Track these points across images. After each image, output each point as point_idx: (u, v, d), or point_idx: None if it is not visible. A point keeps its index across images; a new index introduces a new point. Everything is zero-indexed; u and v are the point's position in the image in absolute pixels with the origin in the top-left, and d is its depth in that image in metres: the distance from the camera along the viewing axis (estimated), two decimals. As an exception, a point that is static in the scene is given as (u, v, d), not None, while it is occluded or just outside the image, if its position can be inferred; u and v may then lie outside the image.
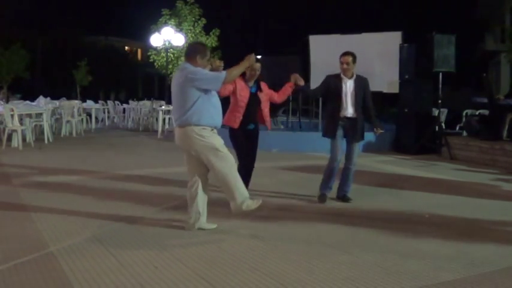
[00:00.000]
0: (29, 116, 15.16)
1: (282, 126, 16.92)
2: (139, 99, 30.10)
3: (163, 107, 19.60)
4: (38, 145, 14.38)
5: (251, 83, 7.47)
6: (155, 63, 28.55)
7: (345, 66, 7.62)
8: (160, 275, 4.68)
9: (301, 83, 7.50)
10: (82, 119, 19.57)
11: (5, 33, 39.71)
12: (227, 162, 5.87)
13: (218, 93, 6.54)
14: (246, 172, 7.32)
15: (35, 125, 15.97)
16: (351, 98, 7.63)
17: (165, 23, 27.10)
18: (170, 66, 27.12)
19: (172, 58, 27.68)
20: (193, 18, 28.12)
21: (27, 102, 18.75)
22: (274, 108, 17.48)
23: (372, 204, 7.67)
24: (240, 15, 46.91)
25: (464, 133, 14.56)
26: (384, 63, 14.54)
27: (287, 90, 7.66)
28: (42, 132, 15.64)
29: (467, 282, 4.60)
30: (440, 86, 13.51)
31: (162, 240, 5.73)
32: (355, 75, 7.74)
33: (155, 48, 27.47)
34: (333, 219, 6.73)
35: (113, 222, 6.37)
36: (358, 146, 7.97)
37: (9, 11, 42.76)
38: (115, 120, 25.06)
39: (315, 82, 15.53)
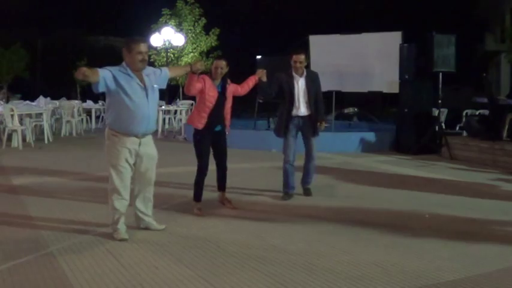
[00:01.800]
0: (29, 116, 15.16)
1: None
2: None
3: (163, 107, 19.59)
4: (38, 145, 14.38)
5: (217, 82, 6.95)
6: (155, 63, 28.56)
7: (298, 65, 7.60)
8: (161, 275, 4.68)
9: (264, 79, 7.39)
10: (82, 119, 19.57)
11: (5, 33, 39.69)
12: (111, 182, 5.65)
13: (187, 91, 6.60)
14: (221, 175, 7.25)
15: (35, 125, 15.97)
16: (303, 97, 7.65)
17: (165, 23, 27.09)
18: (170, 66, 27.10)
19: (173, 58, 27.68)
20: (194, 18, 28.12)
21: (27, 102, 18.74)
22: (274, 108, 17.56)
23: (371, 204, 7.66)
24: (240, 15, 46.88)
25: (464, 133, 14.55)
26: (383, 63, 14.52)
27: (251, 81, 7.42)
28: (42, 132, 15.63)
29: (467, 282, 4.60)
30: (440, 86, 13.49)
31: (162, 240, 5.73)
32: (305, 72, 7.72)
33: (155, 48, 27.45)
34: (332, 219, 6.73)
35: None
36: (315, 141, 7.93)
37: (9, 11, 42.74)
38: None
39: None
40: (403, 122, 14.10)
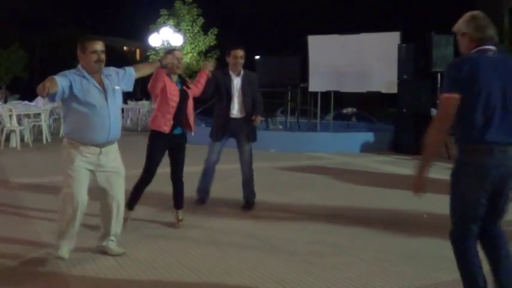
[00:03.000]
0: (27, 116, 15.15)
1: (280, 127, 16.93)
2: (137, 99, 30.07)
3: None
4: (36, 145, 14.36)
5: (175, 78, 6.32)
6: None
7: (238, 60, 7.02)
8: (160, 275, 4.68)
9: (211, 69, 6.81)
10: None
11: (3, 34, 39.70)
12: (62, 200, 4.95)
13: (152, 88, 5.99)
14: (178, 189, 6.40)
15: (33, 125, 15.95)
16: (238, 98, 7.05)
17: (164, 23, 27.08)
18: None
19: (171, 58, 27.65)
20: (192, 18, 28.12)
21: (26, 102, 18.70)
22: (272, 108, 17.56)
23: (370, 204, 7.66)
24: (238, 14, 46.93)
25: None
26: (382, 63, 14.54)
27: (202, 77, 6.65)
28: (40, 133, 15.61)
29: (466, 282, 4.59)
30: (438, 86, 13.50)
31: (161, 240, 5.73)
32: (243, 72, 7.14)
33: (154, 48, 27.46)
34: (331, 219, 6.73)
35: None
36: (250, 147, 7.21)
37: (8, 11, 42.74)
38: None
39: (314, 83, 15.63)
40: (401, 122, 14.11)
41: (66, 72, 4.87)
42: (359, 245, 5.64)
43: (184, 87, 6.28)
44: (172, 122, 6.07)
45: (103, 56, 4.96)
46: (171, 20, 27.65)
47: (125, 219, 5.64)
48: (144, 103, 23.46)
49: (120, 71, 5.32)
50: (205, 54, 28.67)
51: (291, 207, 7.48)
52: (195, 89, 6.53)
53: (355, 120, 19.66)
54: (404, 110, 14.00)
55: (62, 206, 4.90)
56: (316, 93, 15.98)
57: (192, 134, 6.37)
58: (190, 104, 6.34)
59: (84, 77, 4.88)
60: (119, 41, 58.36)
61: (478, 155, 3.61)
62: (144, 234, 5.95)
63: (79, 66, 4.96)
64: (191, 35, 27.84)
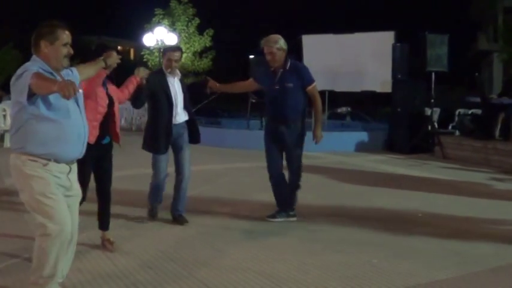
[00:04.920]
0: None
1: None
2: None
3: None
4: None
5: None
6: (148, 63, 28.52)
7: (174, 64, 6.26)
8: (155, 275, 4.67)
9: (143, 76, 5.77)
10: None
11: (-3, 34, 39.61)
12: (44, 243, 3.76)
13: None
14: (103, 206, 5.54)
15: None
16: (180, 101, 6.34)
17: (159, 23, 27.08)
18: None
19: (166, 58, 27.65)
20: (187, 18, 28.12)
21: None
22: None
23: (364, 203, 7.67)
24: (233, 15, 46.95)
25: (457, 132, 14.62)
26: (376, 63, 14.57)
27: (131, 84, 5.68)
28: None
29: (460, 280, 4.61)
30: (433, 85, 13.55)
31: (157, 241, 5.72)
32: (179, 75, 6.43)
33: (148, 48, 27.45)
34: (325, 219, 6.74)
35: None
36: (189, 152, 6.48)
37: (1, 11, 42.62)
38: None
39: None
40: (396, 121, 14.15)
41: (29, 65, 3.79)
42: (354, 244, 5.65)
43: (109, 92, 5.33)
44: (99, 131, 5.19)
45: (71, 51, 4.01)
46: (166, 20, 27.65)
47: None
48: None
49: (68, 71, 4.14)
50: (200, 54, 28.69)
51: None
52: (120, 94, 5.58)
53: (349, 119, 19.70)
54: (399, 110, 14.04)
55: (46, 249, 3.76)
56: (310, 92, 15.96)
57: (119, 145, 5.46)
58: (117, 109, 5.44)
59: (52, 73, 3.83)
60: (113, 41, 58.24)
61: None
62: (138, 234, 5.94)
63: (38, 58, 3.89)
64: (186, 35, 27.84)
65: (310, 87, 6.61)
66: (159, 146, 6.28)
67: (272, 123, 6.73)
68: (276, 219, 6.56)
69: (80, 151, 3.95)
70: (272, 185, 6.82)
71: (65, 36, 3.94)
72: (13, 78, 3.73)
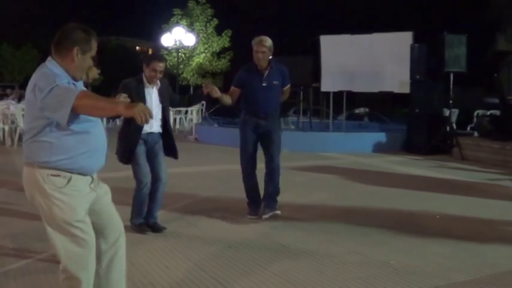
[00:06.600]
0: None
1: (293, 127, 16.94)
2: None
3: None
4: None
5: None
6: (166, 63, 28.59)
7: (158, 75, 5.95)
8: (172, 274, 4.70)
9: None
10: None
11: (15, 34, 39.96)
12: (65, 258, 3.33)
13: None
14: None
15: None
16: (157, 113, 5.99)
17: (177, 23, 27.19)
18: (181, 66, 27.18)
19: (184, 58, 27.75)
20: (205, 19, 28.20)
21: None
22: (285, 108, 17.54)
23: (382, 204, 7.65)
24: (251, 15, 46.96)
25: (476, 133, 14.50)
26: (394, 64, 14.50)
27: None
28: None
29: (479, 282, 4.59)
30: (451, 86, 13.48)
31: (172, 240, 5.75)
32: (158, 85, 6.08)
33: (166, 48, 27.55)
34: (343, 219, 6.72)
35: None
36: (164, 158, 6.22)
37: (21, 11, 43.03)
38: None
39: (326, 82, 15.61)
40: (414, 122, 14.09)
41: (54, 76, 3.28)
42: (370, 245, 5.63)
43: None
44: None
45: (92, 63, 3.64)
46: (184, 20, 27.74)
47: None
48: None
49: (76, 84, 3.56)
50: (218, 55, 28.75)
51: (302, 206, 7.48)
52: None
53: (367, 120, 19.65)
54: (417, 110, 13.97)
55: None
56: (328, 93, 15.95)
57: None
58: None
59: (74, 84, 3.40)
60: (132, 41, 58.62)
61: None
62: (154, 234, 5.96)
63: (57, 63, 3.42)
64: (204, 35, 27.93)
65: (287, 87, 7.11)
66: (125, 156, 6.06)
67: (254, 118, 6.86)
68: (268, 215, 6.69)
69: (103, 161, 3.57)
70: (248, 182, 7.07)
71: (95, 47, 3.52)
72: (36, 91, 3.27)
